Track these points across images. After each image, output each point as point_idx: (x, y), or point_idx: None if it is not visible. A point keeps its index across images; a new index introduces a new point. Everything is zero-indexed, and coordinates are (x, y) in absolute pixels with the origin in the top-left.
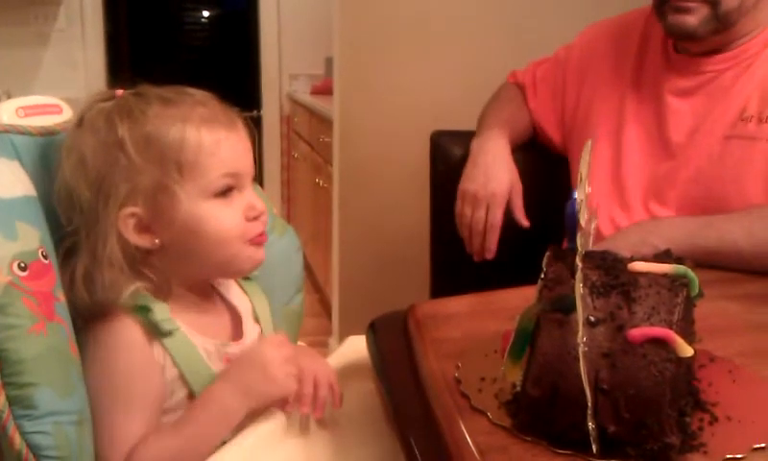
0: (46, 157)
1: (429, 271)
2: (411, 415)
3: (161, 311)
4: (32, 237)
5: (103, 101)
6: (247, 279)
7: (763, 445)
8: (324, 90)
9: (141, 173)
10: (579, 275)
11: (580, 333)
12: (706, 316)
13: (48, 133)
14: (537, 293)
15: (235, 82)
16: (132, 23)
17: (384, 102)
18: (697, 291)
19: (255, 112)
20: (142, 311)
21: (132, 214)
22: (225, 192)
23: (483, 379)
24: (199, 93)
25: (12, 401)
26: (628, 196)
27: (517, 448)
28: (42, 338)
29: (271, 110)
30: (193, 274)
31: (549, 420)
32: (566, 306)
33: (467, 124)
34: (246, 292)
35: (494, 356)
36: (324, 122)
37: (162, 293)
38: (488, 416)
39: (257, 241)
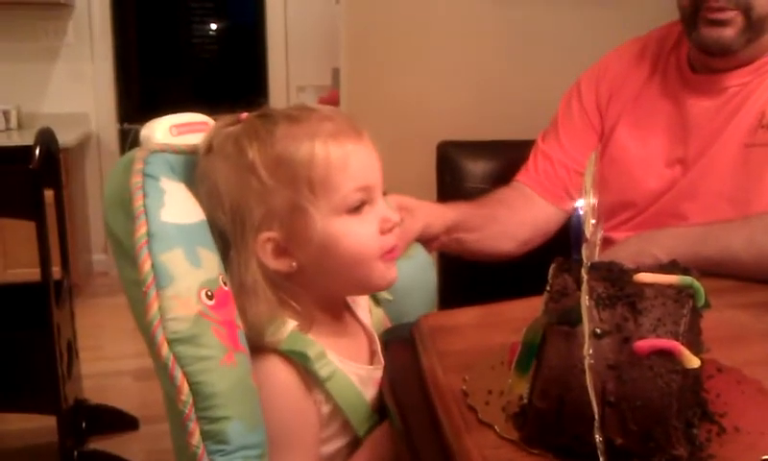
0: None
1: (437, 282)
2: (419, 428)
3: (317, 354)
4: (212, 264)
5: (228, 125)
6: (378, 304)
7: None
8: (332, 101)
9: (274, 195)
10: (584, 287)
11: (586, 346)
12: (713, 326)
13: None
14: (542, 305)
15: (243, 94)
16: (141, 37)
17: (391, 112)
18: (703, 301)
19: None
20: (299, 357)
21: (269, 239)
22: (358, 208)
23: (490, 392)
24: (325, 108)
25: (205, 436)
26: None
27: None
28: (233, 369)
29: None
30: (330, 294)
31: (556, 432)
32: (572, 319)
33: (473, 134)
34: (370, 309)
35: (501, 368)
36: None
37: (307, 320)
38: (495, 429)
39: (390, 257)
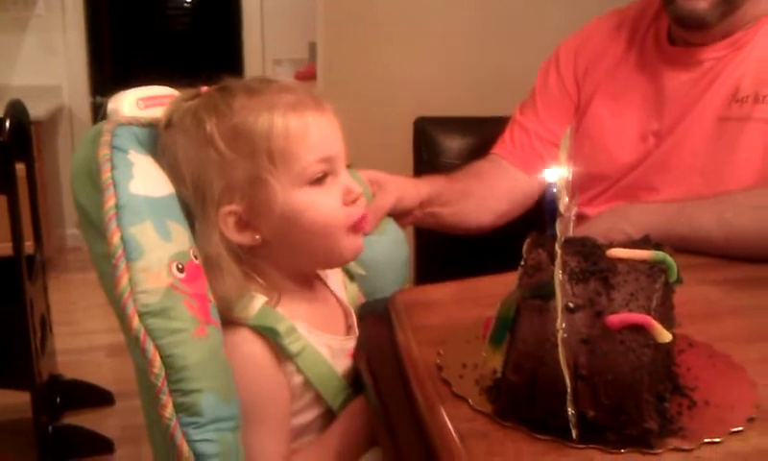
0: None
1: (412, 258)
2: (394, 402)
3: (286, 329)
4: (183, 237)
5: (188, 99)
6: (351, 279)
7: (741, 428)
8: (308, 76)
9: (234, 167)
10: (558, 261)
11: (559, 320)
12: (685, 301)
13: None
14: (517, 280)
15: (218, 67)
16: (113, 8)
17: (368, 88)
18: (676, 277)
19: None
20: (269, 332)
21: (231, 212)
22: (320, 179)
23: (464, 366)
24: (284, 80)
25: (178, 409)
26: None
27: (498, 433)
28: (205, 342)
29: None
30: (297, 267)
31: (529, 406)
32: (546, 293)
33: (451, 110)
34: (345, 284)
35: (476, 343)
36: None
37: (274, 293)
38: (468, 402)
39: (359, 227)
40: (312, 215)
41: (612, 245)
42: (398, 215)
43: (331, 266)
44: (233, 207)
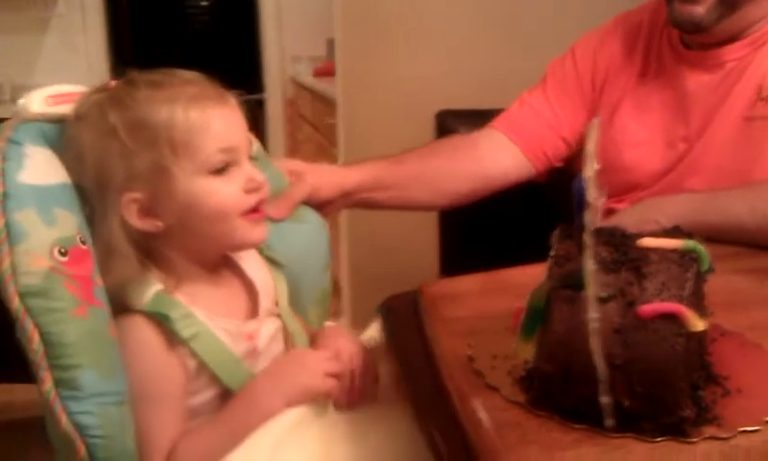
0: None
1: (438, 250)
2: (425, 394)
3: (180, 314)
4: (70, 223)
5: (95, 93)
6: (277, 265)
7: None
8: (327, 72)
9: (136, 156)
10: (588, 251)
11: (591, 309)
12: (716, 291)
13: None
14: (546, 270)
15: (237, 65)
16: (134, 7)
17: (388, 81)
18: (707, 266)
19: (258, 96)
20: (161, 318)
21: (134, 199)
22: (222, 169)
23: (495, 357)
24: (188, 73)
25: (57, 383)
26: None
27: (532, 423)
28: (85, 321)
29: (274, 93)
30: (198, 252)
31: (563, 395)
32: (577, 283)
33: (472, 103)
34: (270, 271)
35: (506, 334)
36: (328, 104)
37: (172, 280)
38: (501, 392)
39: (255, 216)
40: (210, 201)
41: (642, 235)
42: (317, 205)
43: (230, 250)
44: (136, 195)
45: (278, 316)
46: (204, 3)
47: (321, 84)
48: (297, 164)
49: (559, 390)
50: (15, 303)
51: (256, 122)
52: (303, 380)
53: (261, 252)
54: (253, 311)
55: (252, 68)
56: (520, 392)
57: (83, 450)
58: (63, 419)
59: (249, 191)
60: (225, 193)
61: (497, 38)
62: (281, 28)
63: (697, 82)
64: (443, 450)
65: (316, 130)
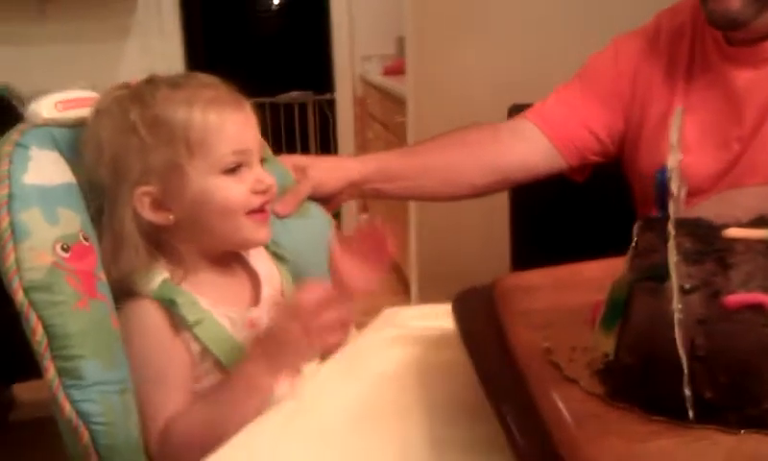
0: None
1: (509, 245)
2: (502, 386)
3: (185, 301)
4: (72, 222)
5: (118, 90)
6: (282, 260)
7: None
8: (397, 70)
9: (153, 152)
10: (672, 242)
11: (675, 300)
12: None
13: (84, 124)
14: (627, 263)
15: (308, 66)
16: (207, 12)
17: (458, 79)
18: None
19: (329, 95)
20: (168, 303)
21: (147, 192)
22: (234, 170)
23: (574, 349)
24: (206, 77)
25: (61, 373)
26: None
27: (612, 414)
28: (86, 313)
29: (344, 93)
30: (205, 246)
31: (643, 387)
32: (659, 275)
33: (543, 98)
34: (276, 265)
35: (583, 327)
36: (398, 102)
37: (179, 271)
38: (580, 384)
39: (259, 217)
40: (218, 197)
41: (726, 225)
42: (322, 199)
43: (236, 248)
44: (150, 189)
45: None
46: (274, 5)
47: (390, 83)
48: (300, 159)
49: (639, 382)
50: (20, 297)
51: (326, 121)
52: (287, 356)
53: (267, 247)
54: (256, 300)
55: (323, 68)
56: (599, 384)
57: (86, 437)
58: (67, 407)
59: (256, 192)
60: (232, 191)
61: (570, 30)
62: (351, 27)
63: (745, 79)
64: (519, 442)
65: (385, 128)
